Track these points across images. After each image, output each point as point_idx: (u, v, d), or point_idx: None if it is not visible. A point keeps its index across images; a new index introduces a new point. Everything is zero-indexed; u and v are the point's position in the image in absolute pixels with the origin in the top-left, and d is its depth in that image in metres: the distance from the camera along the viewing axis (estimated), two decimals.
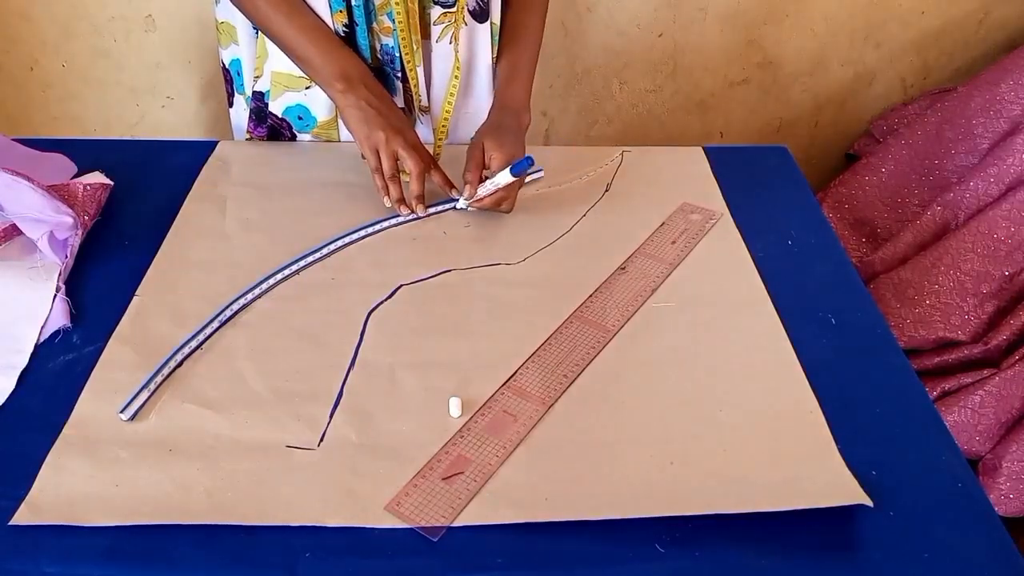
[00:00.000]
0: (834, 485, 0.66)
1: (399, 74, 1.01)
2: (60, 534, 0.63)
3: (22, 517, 0.63)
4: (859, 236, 1.83)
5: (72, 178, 0.95)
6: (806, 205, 1.02)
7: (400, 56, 0.99)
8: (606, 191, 1.01)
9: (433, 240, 0.93)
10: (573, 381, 0.76)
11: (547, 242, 0.93)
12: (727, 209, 0.98)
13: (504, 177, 0.91)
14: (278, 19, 0.95)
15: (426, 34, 1.01)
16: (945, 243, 1.61)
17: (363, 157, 0.97)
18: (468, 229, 0.95)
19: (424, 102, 1.04)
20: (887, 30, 1.88)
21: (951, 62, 1.94)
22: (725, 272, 0.89)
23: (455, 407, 0.72)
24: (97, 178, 0.95)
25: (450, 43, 1.02)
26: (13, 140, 1.00)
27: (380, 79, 1.01)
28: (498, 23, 1.05)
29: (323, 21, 0.97)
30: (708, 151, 1.09)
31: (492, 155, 0.94)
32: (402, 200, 0.96)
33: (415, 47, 0.99)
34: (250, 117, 1.08)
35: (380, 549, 0.62)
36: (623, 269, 0.89)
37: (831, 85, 1.96)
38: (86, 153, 1.02)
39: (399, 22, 0.96)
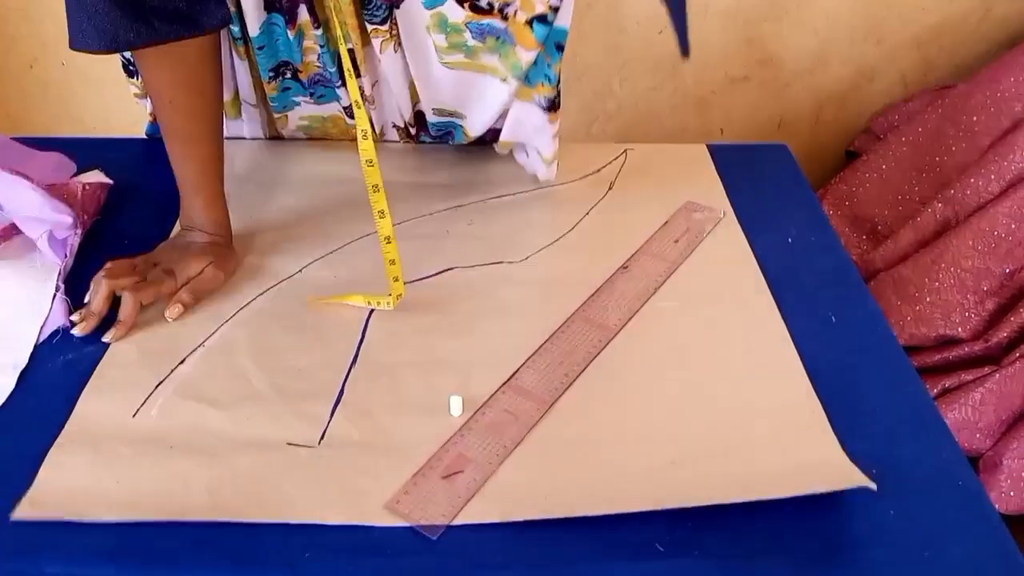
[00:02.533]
0: (835, 472, 0.66)
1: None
2: (61, 534, 0.63)
3: (22, 512, 0.64)
4: (859, 233, 1.83)
5: (71, 177, 0.95)
6: (806, 202, 1.01)
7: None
8: (610, 189, 1.01)
9: (435, 238, 0.93)
10: (574, 380, 0.76)
11: (549, 241, 0.93)
12: (731, 207, 0.98)
13: None
14: (171, 131, 0.86)
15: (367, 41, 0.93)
16: (946, 240, 1.61)
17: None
18: (471, 227, 0.95)
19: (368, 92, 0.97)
20: (888, 27, 1.88)
21: (952, 59, 1.94)
22: (728, 270, 0.89)
23: (456, 406, 0.72)
24: (97, 177, 0.95)
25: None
26: (12, 139, 1.00)
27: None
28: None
29: (214, 158, 0.88)
30: (709, 148, 1.09)
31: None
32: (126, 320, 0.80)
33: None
34: None
35: (380, 548, 0.62)
36: (626, 268, 0.89)
37: (831, 82, 1.96)
38: (86, 152, 1.02)
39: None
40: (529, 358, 0.78)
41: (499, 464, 0.68)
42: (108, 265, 0.83)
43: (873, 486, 0.64)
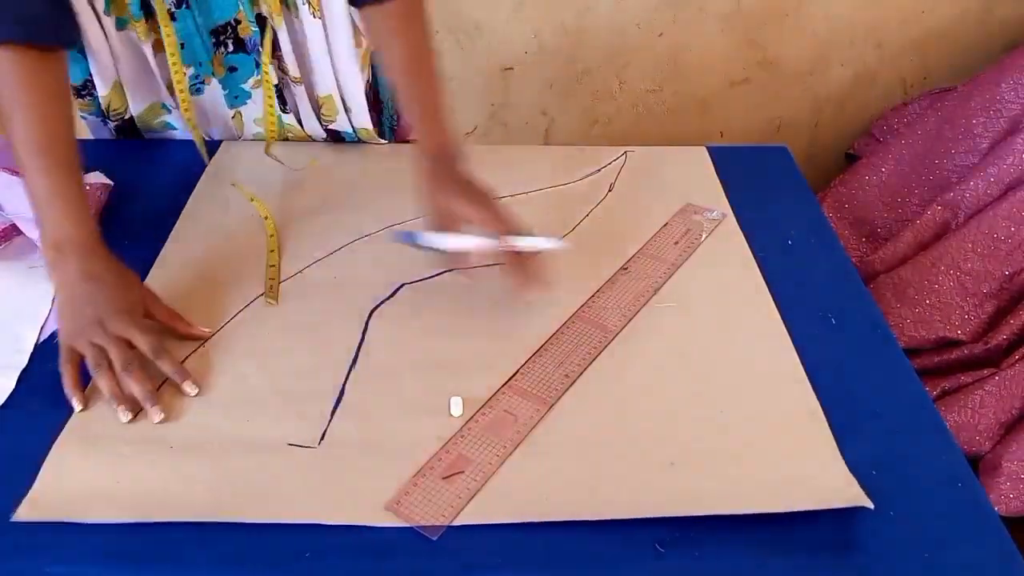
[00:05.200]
0: (835, 487, 0.66)
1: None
2: (61, 534, 0.63)
3: (23, 514, 0.63)
4: (859, 236, 1.83)
5: None
6: (806, 205, 1.02)
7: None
8: (609, 191, 1.01)
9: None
10: (574, 381, 0.76)
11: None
12: (731, 209, 0.98)
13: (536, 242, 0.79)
14: (27, 143, 0.78)
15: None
16: (945, 243, 1.61)
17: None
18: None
19: (295, 73, 0.98)
20: (887, 30, 1.89)
21: (951, 61, 1.94)
22: (727, 272, 0.89)
23: (456, 406, 0.72)
24: (97, 178, 0.95)
25: (310, 12, 0.93)
26: None
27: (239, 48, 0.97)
28: None
29: (76, 167, 0.80)
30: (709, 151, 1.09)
31: (469, 215, 0.79)
32: (151, 396, 0.72)
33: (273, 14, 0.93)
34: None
35: (380, 549, 0.62)
36: (625, 269, 0.89)
37: (831, 85, 1.96)
38: (86, 153, 1.01)
39: None
40: (529, 359, 0.78)
41: (499, 465, 0.68)
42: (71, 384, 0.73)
43: (871, 505, 0.64)
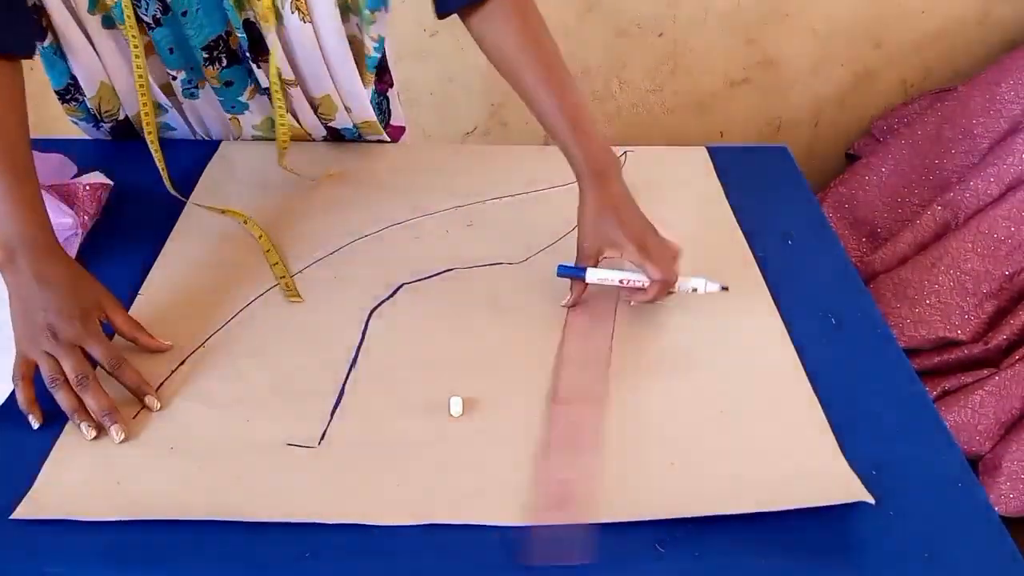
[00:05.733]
0: (836, 483, 0.66)
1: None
2: (60, 533, 0.63)
3: (23, 512, 0.64)
4: (859, 236, 1.83)
5: (72, 178, 0.95)
6: (806, 205, 1.02)
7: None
8: None
9: (435, 239, 0.93)
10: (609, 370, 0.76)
11: (550, 241, 0.93)
12: (730, 209, 0.98)
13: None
14: None
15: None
16: (945, 243, 1.61)
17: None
18: (470, 228, 0.95)
19: (288, 75, 0.95)
20: (887, 30, 1.89)
21: (951, 62, 1.94)
22: (727, 272, 0.89)
23: (456, 406, 0.72)
24: (97, 178, 0.95)
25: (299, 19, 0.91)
26: None
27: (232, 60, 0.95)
28: None
29: (31, 172, 0.76)
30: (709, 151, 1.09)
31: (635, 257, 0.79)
32: (110, 413, 0.69)
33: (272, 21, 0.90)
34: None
35: (380, 549, 0.62)
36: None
37: (831, 85, 1.96)
38: (86, 153, 1.02)
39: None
40: (555, 372, 0.76)
41: (599, 473, 0.67)
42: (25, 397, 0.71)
43: (872, 500, 0.64)
